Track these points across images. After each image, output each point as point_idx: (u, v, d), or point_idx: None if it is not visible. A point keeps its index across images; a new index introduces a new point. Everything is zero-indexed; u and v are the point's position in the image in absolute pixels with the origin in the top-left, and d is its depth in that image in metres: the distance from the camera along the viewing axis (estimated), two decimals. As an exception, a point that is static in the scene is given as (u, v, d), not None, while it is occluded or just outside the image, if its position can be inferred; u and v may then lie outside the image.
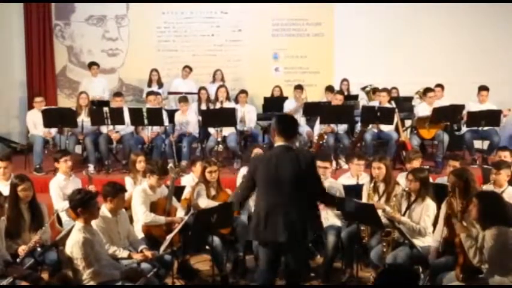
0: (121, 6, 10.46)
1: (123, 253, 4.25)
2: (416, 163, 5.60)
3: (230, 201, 4.26)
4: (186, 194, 5.40)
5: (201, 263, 5.32)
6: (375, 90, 8.92)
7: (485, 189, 4.71)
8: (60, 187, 5.36)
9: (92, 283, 3.79)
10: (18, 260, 4.11)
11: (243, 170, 5.85)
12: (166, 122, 7.77)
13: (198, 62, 10.16)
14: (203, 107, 8.51)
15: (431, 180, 5.16)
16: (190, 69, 9.63)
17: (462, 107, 7.83)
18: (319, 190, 3.95)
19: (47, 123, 7.50)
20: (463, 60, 9.83)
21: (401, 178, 5.37)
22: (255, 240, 4.31)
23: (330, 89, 9.15)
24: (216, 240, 4.81)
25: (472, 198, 3.90)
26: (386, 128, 7.62)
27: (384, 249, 4.55)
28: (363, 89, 9.39)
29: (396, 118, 7.56)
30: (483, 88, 7.91)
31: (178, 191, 5.38)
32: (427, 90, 7.98)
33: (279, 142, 3.84)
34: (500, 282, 3.62)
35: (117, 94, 8.31)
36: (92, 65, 9.48)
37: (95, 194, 4.05)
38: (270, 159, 3.87)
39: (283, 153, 3.80)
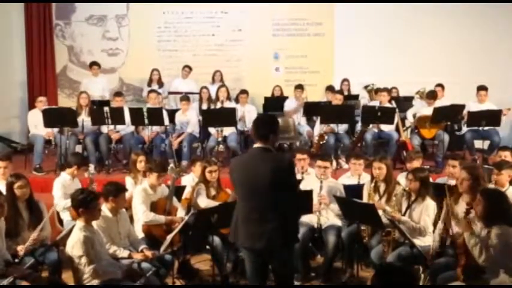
0: (121, 6, 10.47)
1: (123, 253, 4.25)
2: (416, 163, 5.61)
3: (230, 201, 4.20)
4: (186, 193, 5.40)
5: (202, 262, 5.32)
6: (377, 90, 8.92)
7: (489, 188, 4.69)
8: (64, 187, 5.36)
9: (94, 282, 3.79)
10: (17, 259, 4.10)
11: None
12: (166, 121, 7.77)
13: (198, 62, 10.16)
14: (204, 106, 8.52)
15: (431, 180, 5.16)
16: (190, 68, 9.64)
17: (462, 106, 7.83)
18: (290, 199, 3.57)
19: (47, 123, 7.49)
20: (463, 60, 9.83)
21: (402, 178, 5.38)
22: (234, 242, 3.98)
23: (330, 88, 9.15)
24: (217, 240, 4.80)
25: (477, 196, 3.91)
26: (386, 127, 7.63)
27: (384, 249, 4.55)
28: (366, 87, 9.38)
29: (397, 118, 7.57)
30: (482, 88, 7.91)
31: (178, 190, 5.38)
32: (430, 96, 7.94)
33: (256, 144, 3.67)
34: (501, 282, 3.62)
35: (118, 94, 8.30)
36: (92, 64, 9.47)
37: (97, 195, 4.06)
38: (244, 161, 3.75)
39: (257, 155, 3.62)
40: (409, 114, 8.23)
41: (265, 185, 3.49)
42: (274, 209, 3.51)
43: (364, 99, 9.28)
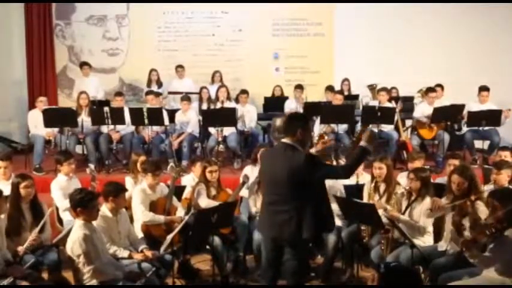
0: (121, 6, 10.48)
1: (123, 253, 4.25)
2: (418, 163, 5.59)
3: (231, 201, 4.25)
4: (186, 193, 5.40)
5: (202, 262, 5.32)
6: (379, 90, 8.91)
7: (495, 188, 4.67)
8: (62, 188, 5.35)
9: (93, 282, 3.79)
10: (17, 259, 4.10)
11: (248, 169, 5.85)
12: (166, 121, 7.77)
13: (199, 62, 10.18)
14: (204, 106, 8.53)
15: (431, 180, 5.15)
16: (183, 67, 9.63)
17: (462, 106, 7.83)
18: (331, 174, 3.82)
19: (47, 123, 7.49)
20: (463, 60, 9.84)
21: (402, 178, 5.38)
22: (258, 230, 4.50)
23: (330, 88, 9.16)
24: (217, 240, 4.81)
25: (479, 197, 3.96)
26: (386, 127, 7.63)
27: (382, 247, 4.55)
28: (369, 86, 9.34)
29: (396, 118, 7.57)
30: (484, 88, 7.90)
31: (178, 190, 5.38)
32: (430, 90, 7.99)
33: (283, 139, 3.82)
34: (502, 282, 3.63)
35: (118, 94, 8.33)
36: (83, 65, 9.43)
37: (96, 195, 4.05)
38: (269, 155, 4.00)
39: (280, 151, 3.81)
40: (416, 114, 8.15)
41: (281, 182, 3.68)
42: (288, 205, 3.67)
43: (367, 98, 9.28)
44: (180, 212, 5.03)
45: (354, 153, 3.88)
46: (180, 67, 9.61)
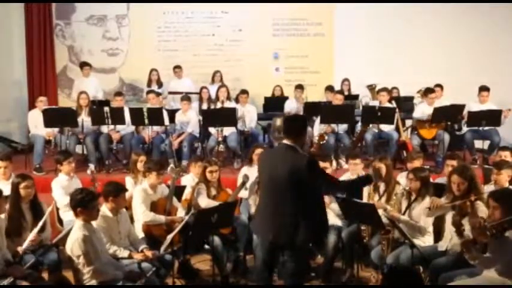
0: (121, 6, 10.49)
1: (123, 253, 4.25)
2: (417, 163, 5.59)
3: (231, 201, 4.25)
4: (186, 194, 5.40)
5: (202, 262, 5.32)
6: (379, 91, 8.92)
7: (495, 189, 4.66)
8: (63, 187, 5.35)
9: (93, 282, 3.79)
10: (17, 259, 4.10)
11: (245, 170, 5.86)
12: (166, 121, 7.77)
13: (199, 62, 10.20)
14: (204, 106, 8.53)
15: (431, 180, 5.16)
16: (180, 67, 9.64)
17: (462, 106, 7.83)
18: (325, 187, 3.90)
19: (48, 123, 7.49)
20: (463, 60, 9.84)
21: (402, 178, 5.38)
22: (254, 232, 4.47)
23: (330, 88, 9.16)
24: (217, 240, 4.81)
25: (479, 197, 3.97)
26: (386, 127, 7.63)
27: (383, 248, 4.55)
28: (369, 86, 9.35)
29: (396, 117, 7.57)
30: (484, 88, 7.90)
31: (178, 191, 5.38)
32: (428, 90, 8.00)
33: (284, 140, 3.83)
34: (502, 282, 3.62)
35: (118, 94, 8.33)
36: (83, 65, 9.43)
37: (96, 195, 4.05)
38: (269, 156, 3.97)
39: (281, 152, 3.81)
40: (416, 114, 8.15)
41: (282, 184, 3.66)
42: (287, 206, 3.66)
43: (366, 98, 9.28)
44: (181, 213, 5.03)
45: (357, 178, 4.24)
46: (177, 67, 9.62)
